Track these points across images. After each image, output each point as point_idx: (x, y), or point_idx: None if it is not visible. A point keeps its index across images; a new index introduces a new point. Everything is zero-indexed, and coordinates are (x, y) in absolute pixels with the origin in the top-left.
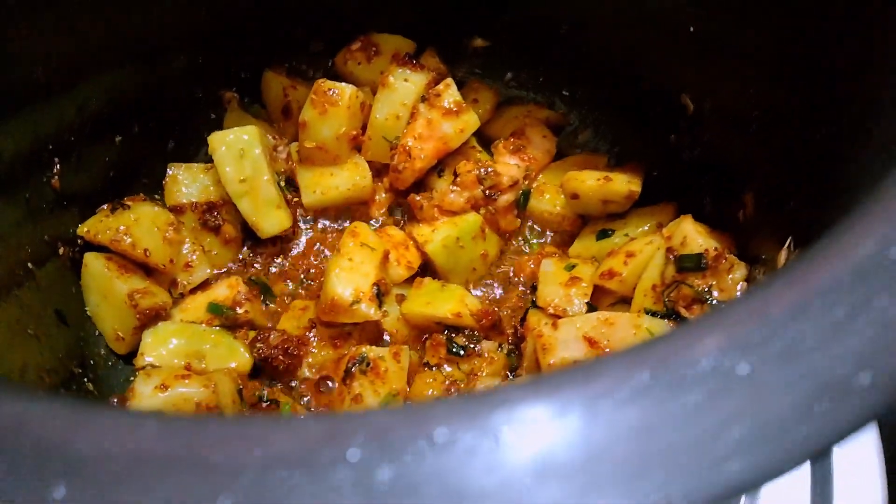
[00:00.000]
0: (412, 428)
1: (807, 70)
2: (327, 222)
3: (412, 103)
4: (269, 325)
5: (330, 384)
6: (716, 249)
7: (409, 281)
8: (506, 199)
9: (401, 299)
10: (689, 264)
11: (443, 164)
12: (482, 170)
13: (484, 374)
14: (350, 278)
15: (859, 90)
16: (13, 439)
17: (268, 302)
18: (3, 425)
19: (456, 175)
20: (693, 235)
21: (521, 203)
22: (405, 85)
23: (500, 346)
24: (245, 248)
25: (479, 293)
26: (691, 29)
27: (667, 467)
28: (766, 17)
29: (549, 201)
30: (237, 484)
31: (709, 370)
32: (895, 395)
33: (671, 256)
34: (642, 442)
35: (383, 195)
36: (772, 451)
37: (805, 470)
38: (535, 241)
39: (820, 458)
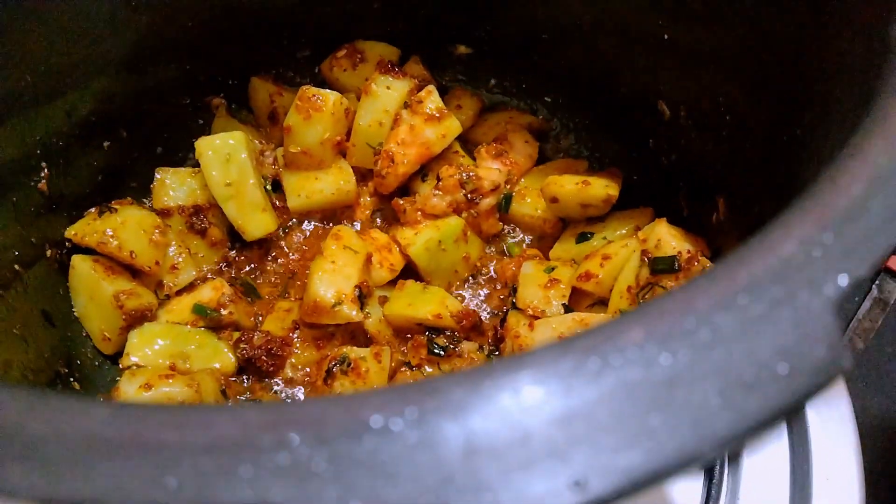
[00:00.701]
0: (348, 415)
1: (768, 78)
2: (312, 225)
3: (395, 110)
4: (254, 326)
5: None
6: (689, 252)
7: (393, 283)
8: (487, 202)
9: (383, 301)
10: (662, 266)
11: (426, 168)
12: (464, 174)
13: None
14: (332, 280)
15: (815, 98)
16: None
17: (252, 303)
18: None
19: (439, 179)
20: (667, 238)
21: (503, 206)
22: (388, 92)
23: (480, 346)
24: (231, 250)
25: (460, 295)
26: (665, 37)
27: (586, 450)
28: (730, 29)
29: (530, 205)
30: (182, 465)
31: (632, 359)
32: (813, 383)
33: (646, 259)
34: (565, 426)
35: (368, 199)
36: (690, 438)
37: (785, 464)
38: (516, 243)
39: (800, 459)
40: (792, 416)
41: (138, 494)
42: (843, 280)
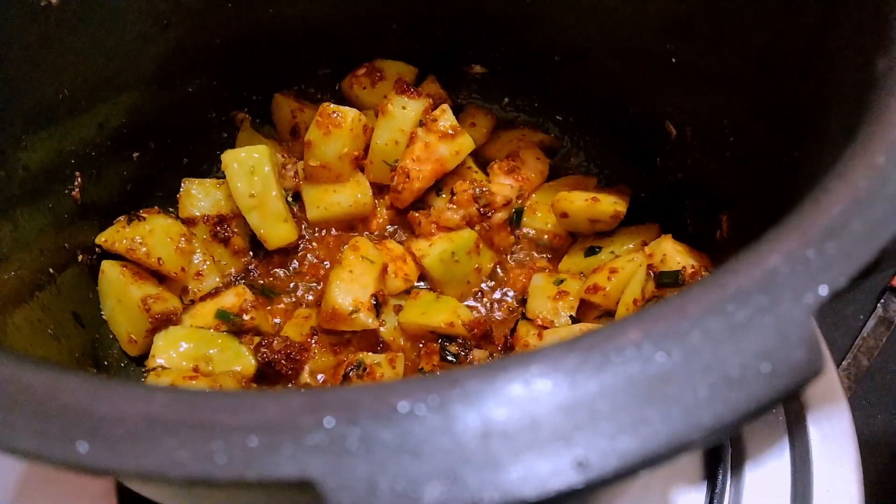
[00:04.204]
0: (378, 401)
1: (769, 102)
2: (331, 236)
3: (410, 129)
4: (274, 331)
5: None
6: (693, 267)
7: (407, 292)
8: (500, 216)
9: (398, 309)
10: (667, 280)
11: (441, 183)
12: (478, 189)
13: None
14: (350, 289)
15: (812, 123)
16: (45, 404)
17: (272, 309)
18: (37, 392)
19: (453, 194)
20: (672, 254)
21: (515, 220)
22: (403, 112)
23: (490, 354)
24: (253, 258)
25: (472, 304)
26: (673, 60)
27: (588, 435)
28: (736, 53)
29: (541, 219)
30: (231, 441)
31: (631, 357)
32: (792, 382)
33: (651, 273)
34: (570, 414)
35: (384, 211)
36: (681, 427)
37: (786, 477)
38: (526, 256)
39: (801, 472)
40: (771, 410)
41: (193, 468)
42: (824, 290)
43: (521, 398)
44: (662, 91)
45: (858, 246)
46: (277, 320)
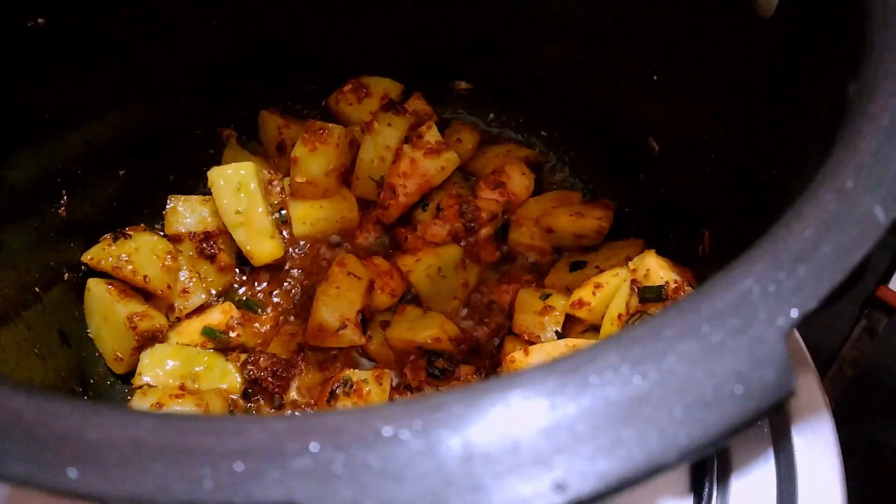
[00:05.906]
0: (363, 426)
1: (748, 120)
2: (317, 252)
3: (396, 145)
4: (260, 348)
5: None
6: (675, 282)
7: (394, 308)
8: (485, 231)
9: (385, 325)
10: (650, 295)
11: (427, 198)
12: (464, 204)
13: None
14: (336, 305)
15: (790, 142)
16: (34, 430)
17: (258, 325)
18: (26, 419)
19: (439, 209)
20: (655, 269)
21: (501, 235)
22: (389, 129)
23: (477, 369)
24: (239, 275)
25: (459, 319)
26: (655, 78)
27: (567, 458)
28: (713, 72)
29: (526, 234)
30: (219, 467)
31: (608, 379)
32: (764, 402)
33: (635, 288)
34: (549, 437)
35: (371, 227)
36: (657, 448)
37: (772, 487)
38: (512, 271)
39: (786, 483)
40: (744, 431)
41: (181, 493)
42: (795, 313)
43: (502, 422)
44: (645, 107)
45: (828, 269)
46: (263, 338)
